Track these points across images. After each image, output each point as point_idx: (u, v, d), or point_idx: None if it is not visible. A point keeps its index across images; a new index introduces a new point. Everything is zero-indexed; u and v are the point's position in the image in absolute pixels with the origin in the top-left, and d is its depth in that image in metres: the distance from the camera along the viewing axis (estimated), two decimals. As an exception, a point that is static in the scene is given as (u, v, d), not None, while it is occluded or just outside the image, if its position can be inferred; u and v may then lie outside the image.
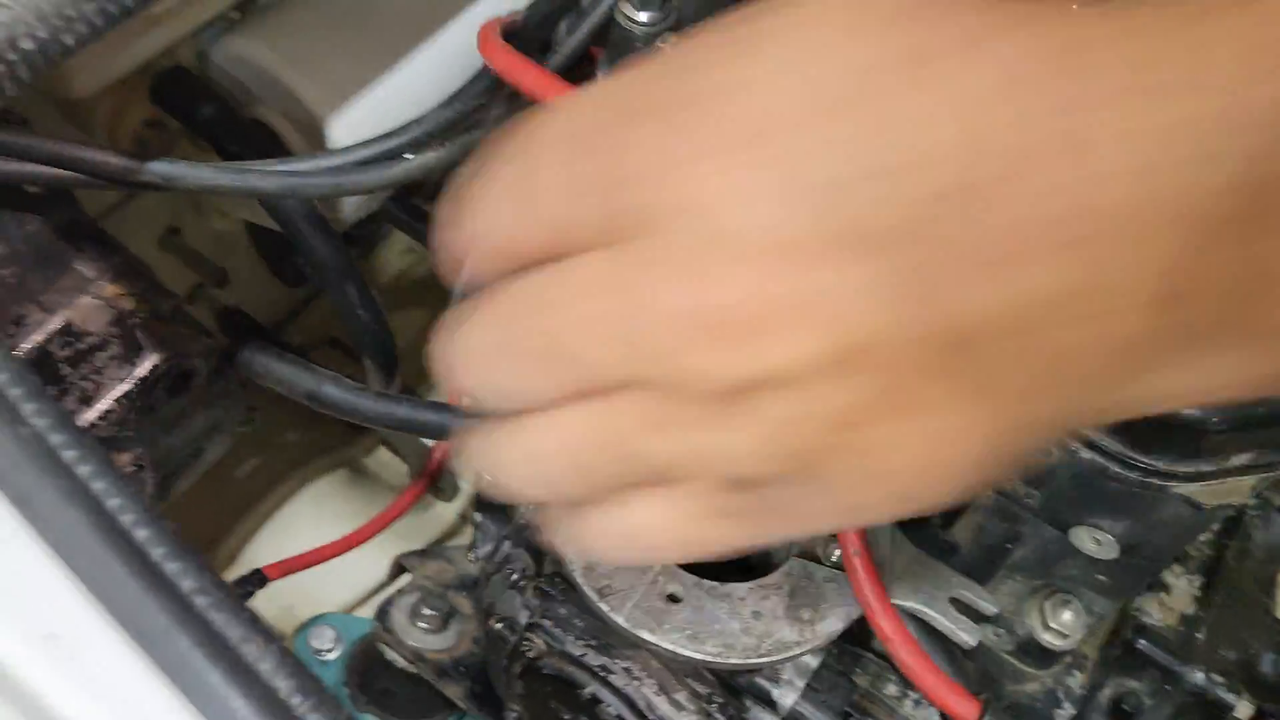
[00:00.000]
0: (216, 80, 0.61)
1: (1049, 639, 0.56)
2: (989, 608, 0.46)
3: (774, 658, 0.43)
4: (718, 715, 0.45)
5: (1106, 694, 0.58)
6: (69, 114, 0.60)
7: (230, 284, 0.80)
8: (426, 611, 0.66)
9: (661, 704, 0.44)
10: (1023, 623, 0.57)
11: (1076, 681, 0.59)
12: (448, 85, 0.59)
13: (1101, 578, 0.55)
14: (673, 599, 0.43)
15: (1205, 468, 0.43)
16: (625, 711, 0.44)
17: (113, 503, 0.34)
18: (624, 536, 0.29)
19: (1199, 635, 0.59)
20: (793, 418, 0.25)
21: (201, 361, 0.63)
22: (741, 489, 0.28)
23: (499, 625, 0.49)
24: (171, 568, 0.34)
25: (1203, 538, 0.63)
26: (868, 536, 0.45)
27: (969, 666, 0.55)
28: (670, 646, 0.42)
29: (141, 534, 0.34)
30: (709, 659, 0.43)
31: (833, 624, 0.45)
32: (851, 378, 0.25)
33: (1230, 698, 0.56)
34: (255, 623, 0.34)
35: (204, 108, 0.58)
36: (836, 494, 0.27)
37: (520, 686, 0.48)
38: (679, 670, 0.45)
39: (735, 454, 0.27)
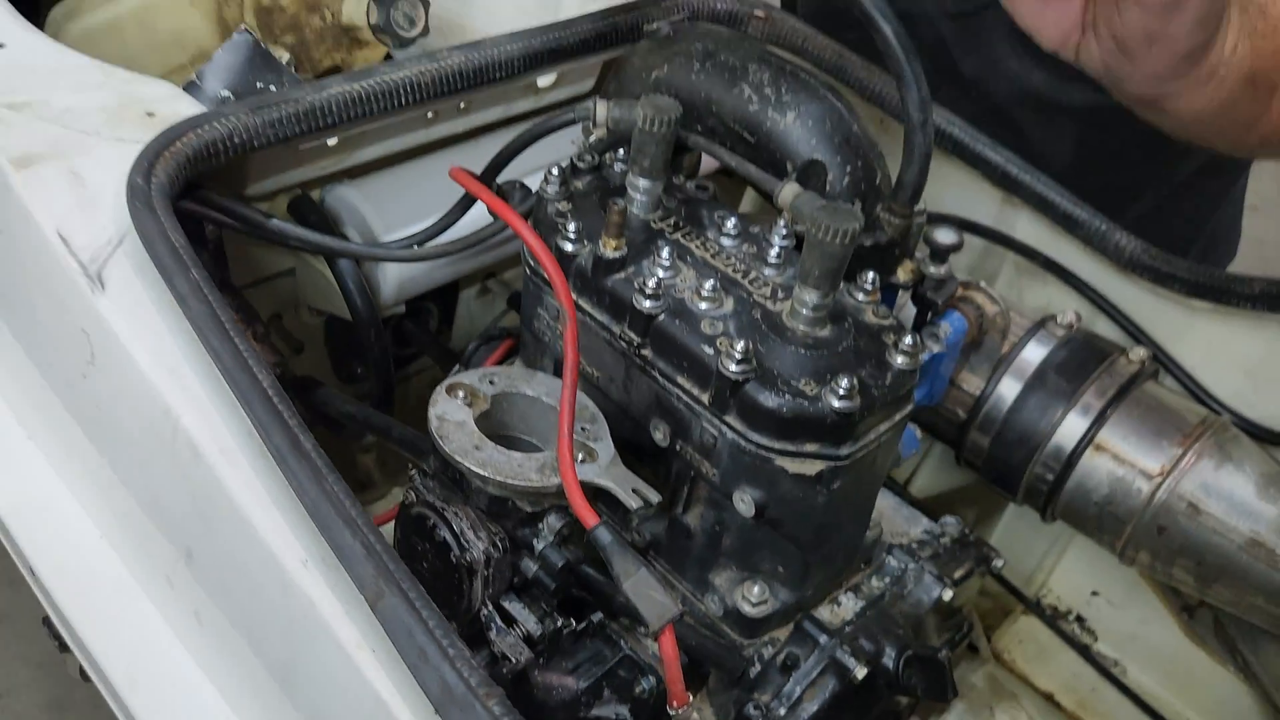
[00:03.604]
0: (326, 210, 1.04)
1: (745, 607, 0.86)
2: (654, 496, 0.77)
3: (519, 483, 0.76)
4: (499, 543, 0.77)
5: (780, 657, 0.87)
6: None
7: (304, 358, 1.19)
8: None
9: (469, 533, 0.76)
10: (731, 598, 0.87)
11: (769, 651, 0.88)
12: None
13: (781, 569, 0.86)
14: (479, 449, 0.77)
15: (789, 448, 0.76)
16: (448, 535, 0.76)
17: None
18: None
19: (848, 630, 0.88)
20: None
21: (273, 366, 1.02)
22: None
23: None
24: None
25: (876, 582, 0.92)
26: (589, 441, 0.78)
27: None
28: (468, 464, 0.75)
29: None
30: (484, 473, 0.75)
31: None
32: None
33: (851, 662, 0.84)
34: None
35: (316, 219, 1.00)
36: None
37: (402, 521, 0.81)
38: (483, 519, 0.78)
39: None
